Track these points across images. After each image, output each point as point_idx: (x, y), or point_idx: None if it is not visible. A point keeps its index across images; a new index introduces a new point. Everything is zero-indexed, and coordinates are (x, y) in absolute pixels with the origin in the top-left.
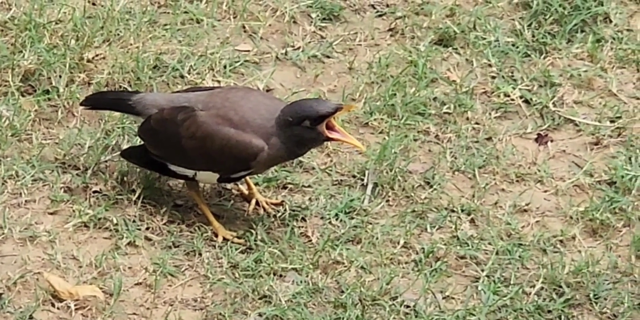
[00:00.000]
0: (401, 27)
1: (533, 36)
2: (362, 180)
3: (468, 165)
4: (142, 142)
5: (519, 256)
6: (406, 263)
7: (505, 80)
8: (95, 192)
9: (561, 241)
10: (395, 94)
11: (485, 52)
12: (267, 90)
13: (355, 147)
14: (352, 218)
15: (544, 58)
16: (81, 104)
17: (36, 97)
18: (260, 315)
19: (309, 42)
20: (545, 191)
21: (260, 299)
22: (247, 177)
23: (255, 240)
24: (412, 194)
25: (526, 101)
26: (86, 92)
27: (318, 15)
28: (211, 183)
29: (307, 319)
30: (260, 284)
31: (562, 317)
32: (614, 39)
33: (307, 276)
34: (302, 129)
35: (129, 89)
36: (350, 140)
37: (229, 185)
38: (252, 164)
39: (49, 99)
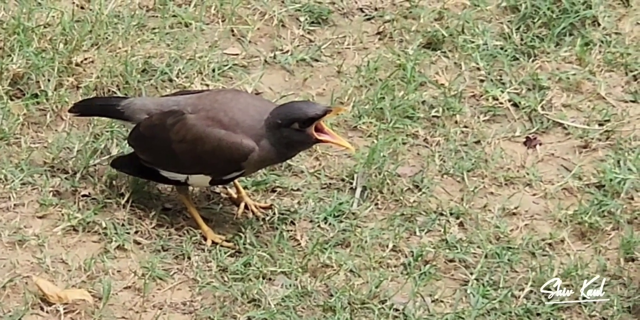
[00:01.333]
0: (390, 31)
1: (521, 39)
2: (351, 183)
3: (457, 169)
4: (131, 151)
5: (508, 259)
6: (395, 266)
7: (493, 83)
8: (84, 195)
9: (550, 244)
10: (383, 98)
11: (473, 56)
12: (256, 94)
13: (345, 148)
14: (341, 221)
15: (533, 61)
16: (70, 111)
17: (25, 100)
18: (249, 318)
19: (298, 46)
20: (534, 194)
21: (249, 302)
22: (236, 181)
23: (244, 244)
24: (401, 198)
25: (515, 104)
26: (75, 95)
27: (306, 19)
28: (203, 186)
29: None
30: (249, 288)
31: None
32: (602, 42)
33: (296, 280)
34: (291, 131)
35: (118, 93)
36: (339, 142)
37: (217, 189)
38: (243, 164)
39: (38, 103)
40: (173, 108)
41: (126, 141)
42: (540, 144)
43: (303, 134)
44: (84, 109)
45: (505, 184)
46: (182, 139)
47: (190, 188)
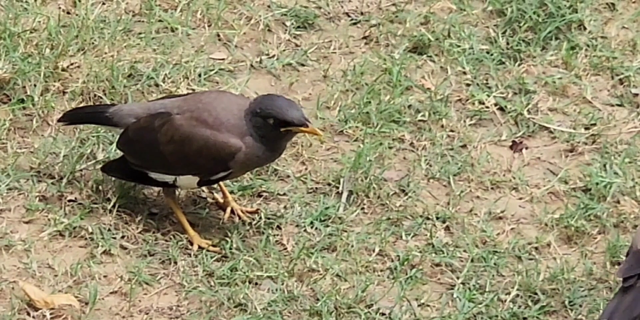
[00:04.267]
0: (376, 35)
1: (507, 44)
2: (337, 188)
3: (443, 173)
4: (120, 155)
5: (494, 263)
6: (381, 271)
7: (479, 87)
8: (70, 200)
9: (536, 248)
10: (370, 102)
11: (459, 60)
12: None
13: (315, 135)
14: (328, 226)
15: (519, 65)
16: (59, 121)
17: (11, 106)
18: None
19: (284, 50)
20: (520, 198)
21: (235, 307)
22: (223, 186)
23: (230, 249)
24: (387, 202)
25: (501, 108)
26: (61, 100)
27: (293, 24)
28: (191, 188)
29: None
30: (235, 292)
31: None
32: (588, 46)
33: (282, 284)
34: (265, 123)
35: (104, 98)
36: (308, 130)
37: (204, 194)
38: (230, 164)
39: (24, 108)
40: (160, 111)
41: (115, 146)
42: (527, 148)
43: (275, 131)
44: (72, 117)
45: (492, 188)
46: (169, 140)
47: (177, 192)
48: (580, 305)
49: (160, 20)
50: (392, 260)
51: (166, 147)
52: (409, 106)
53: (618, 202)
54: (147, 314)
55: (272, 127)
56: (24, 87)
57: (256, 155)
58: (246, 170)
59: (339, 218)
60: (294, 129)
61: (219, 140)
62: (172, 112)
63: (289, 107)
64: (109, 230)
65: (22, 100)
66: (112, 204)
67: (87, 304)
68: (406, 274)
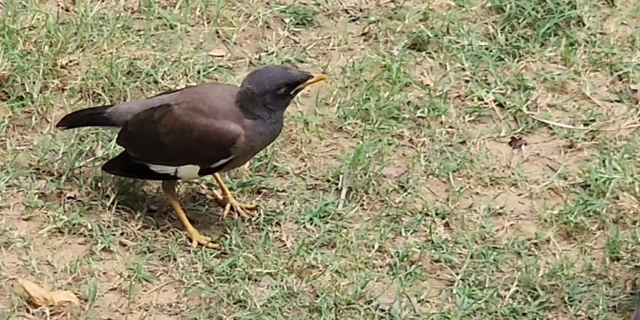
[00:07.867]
0: (375, 32)
1: (506, 40)
2: (337, 184)
3: (442, 169)
4: (119, 153)
5: (494, 259)
6: (381, 267)
7: (478, 84)
8: (69, 198)
9: (535, 244)
10: (369, 99)
11: (458, 56)
12: None
13: (320, 80)
14: (327, 222)
15: (518, 62)
16: (58, 125)
17: (10, 103)
18: None
19: (283, 47)
20: (520, 194)
21: (235, 303)
22: (222, 182)
23: (230, 245)
24: (387, 198)
25: (500, 105)
26: (60, 98)
27: (291, 20)
28: (193, 178)
29: None
30: (235, 289)
31: None
32: (587, 42)
33: (281, 281)
34: (276, 96)
35: (103, 95)
36: (313, 80)
37: (203, 190)
38: (231, 150)
39: (23, 105)
40: (158, 105)
41: (114, 142)
42: (526, 144)
43: (287, 98)
44: (72, 121)
45: (491, 184)
46: (170, 130)
47: (177, 188)
48: (580, 301)
49: (159, 18)
50: (392, 257)
51: (167, 138)
52: (408, 103)
53: (617, 198)
54: (146, 310)
55: (284, 96)
56: (23, 84)
57: (259, 133)
58: (251, 155)
59: (338, 214)
60: (302, 86)
61: (218, 128)
62: (171, 103)
63: (287, 70)
64: (108, 227)
65: (21, 98)
66: (111, 200)
67: (86, 300)
68: (406, 270)
